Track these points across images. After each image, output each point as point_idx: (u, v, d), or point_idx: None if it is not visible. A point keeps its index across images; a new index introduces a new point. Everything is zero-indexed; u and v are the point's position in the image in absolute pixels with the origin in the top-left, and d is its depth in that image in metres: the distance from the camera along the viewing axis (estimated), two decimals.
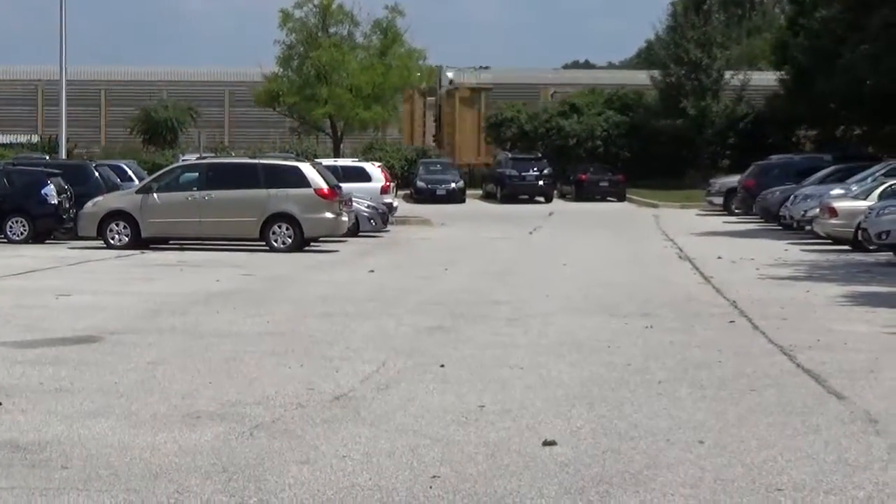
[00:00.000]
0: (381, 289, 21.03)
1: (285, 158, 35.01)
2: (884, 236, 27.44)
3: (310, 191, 30.15)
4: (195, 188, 30.66)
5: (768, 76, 66.65)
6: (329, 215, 30.29)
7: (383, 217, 37.88)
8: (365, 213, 36.40)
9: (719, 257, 27.98)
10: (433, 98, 78.38)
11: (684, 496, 7.85)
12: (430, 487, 8.01)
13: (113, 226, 30.38)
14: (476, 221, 45.28)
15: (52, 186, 32.03)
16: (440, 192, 59.06)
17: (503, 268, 25.94)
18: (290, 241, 29.93)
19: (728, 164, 63.90)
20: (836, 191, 35.22)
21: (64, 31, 46.76)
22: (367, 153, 61.82)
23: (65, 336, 14.68)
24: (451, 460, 8.72)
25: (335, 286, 21.56)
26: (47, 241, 32.15)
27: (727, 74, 67.51)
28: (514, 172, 60.62)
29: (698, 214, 50.75)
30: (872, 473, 8.46)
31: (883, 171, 37.15)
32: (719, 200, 51.99)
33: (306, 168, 31.19)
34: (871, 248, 28.87)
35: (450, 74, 77.68)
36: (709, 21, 67.32)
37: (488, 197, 62.65)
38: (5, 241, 31.68)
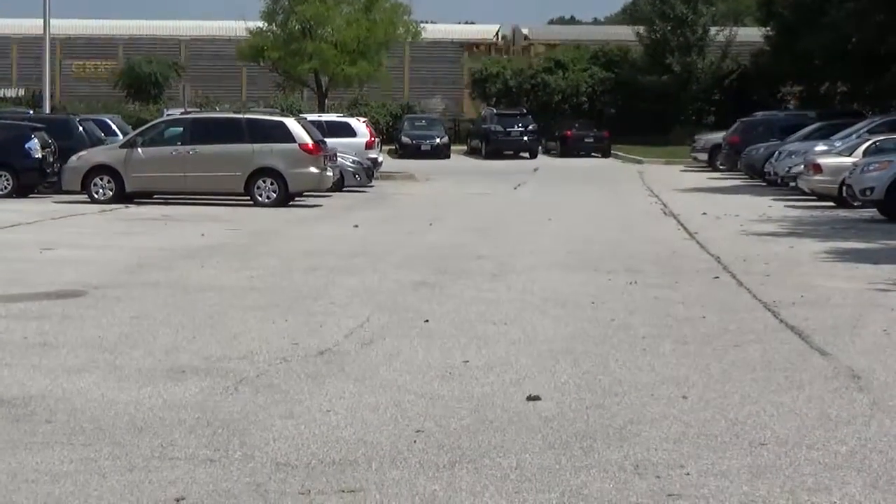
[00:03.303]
0: (366, 244, 21.01)
1: (270, 113, 34.87)
2: (868, 193, 27.39)
3: (294, 146, 30.03)
4: (180, 143, 30.55)
5: (754, 32, 66.49)
6: (314, 170, 30.19)
7: (368, 172, 37.79)
8: (350, 169, 36.29)
9: (704, 213, 27.98)
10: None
11: (668, 451, 7.87)
12: (415, 442, 8.03)
13: (97, 180, 30.20)
14: (461, 177, 45.20)
15: (35, 140, 31.82)
16: (425, 147, 58.92)
17: (488, 223, 25.93)
18: (274, 195, 29.84)
19: (713, 121, 63.92)
20: (821, 147, 35.19)
21: None
22: (352, 108, 61.60)
23: (49, 290, 14.65)
24: (435, 415, 8.74)
25: (320, 241, 21.54)
26: (31, 196, 31.99)
27: (712, 30, 67.40)
28: (500, 128, 60.48)
29: (683, 170, 50.70)
30: (855, 428, 8.49)
31: (867, 128, 37.14)
32: (704, 157, 51.96)
33: (291, 123, 31.07)
34: (855, 204, 28.88)
35: (524, 31, 77.18)
36: None
37: (473, 152, 62.53)
38: None
